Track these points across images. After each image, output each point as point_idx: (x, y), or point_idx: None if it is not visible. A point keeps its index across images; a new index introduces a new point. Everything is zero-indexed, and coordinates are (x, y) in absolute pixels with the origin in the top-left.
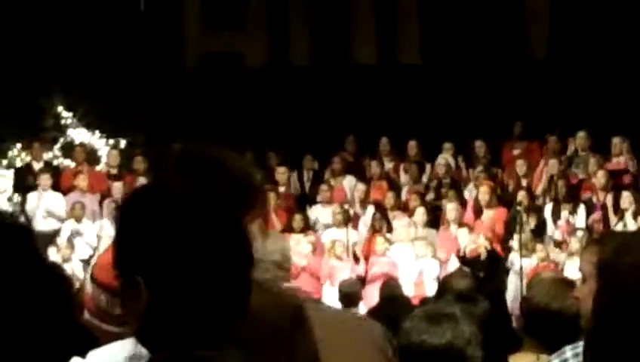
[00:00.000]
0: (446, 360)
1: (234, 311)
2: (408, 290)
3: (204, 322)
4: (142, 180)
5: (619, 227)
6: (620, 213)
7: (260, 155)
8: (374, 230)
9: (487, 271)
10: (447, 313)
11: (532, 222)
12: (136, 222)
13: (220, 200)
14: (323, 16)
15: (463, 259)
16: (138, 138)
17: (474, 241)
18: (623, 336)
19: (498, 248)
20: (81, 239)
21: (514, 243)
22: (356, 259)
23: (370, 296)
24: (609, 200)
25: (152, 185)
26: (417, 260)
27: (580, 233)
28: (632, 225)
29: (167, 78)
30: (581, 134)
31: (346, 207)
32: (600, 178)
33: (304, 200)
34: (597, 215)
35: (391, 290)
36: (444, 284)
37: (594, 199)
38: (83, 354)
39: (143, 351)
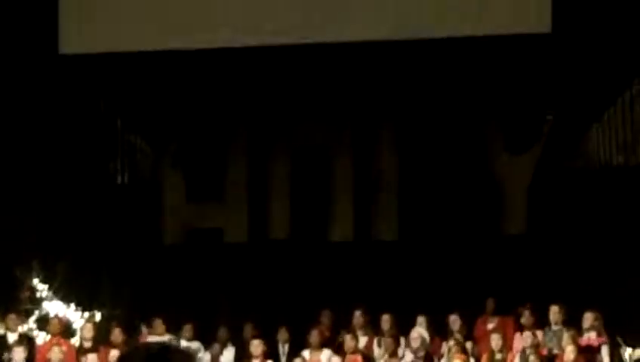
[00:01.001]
0: None
1: None
2: None
3: None
4: (114, 353)
5: None
6: None
7: (235, 327)
8: None
9: None
10: None
11: None
12: None
13: None
14: (303, 193)
15: None
16: (116, 310)
17: None
18: None
19: None
20: None
21: None
22: None
23: None
24: None
25: None
26: None
27: None
28: None
29: (146, 252)
30: (555, 308)
31: None
32: (569, 353)
33: None
34: None
35: None
36: None
37: None
38: None
39: None
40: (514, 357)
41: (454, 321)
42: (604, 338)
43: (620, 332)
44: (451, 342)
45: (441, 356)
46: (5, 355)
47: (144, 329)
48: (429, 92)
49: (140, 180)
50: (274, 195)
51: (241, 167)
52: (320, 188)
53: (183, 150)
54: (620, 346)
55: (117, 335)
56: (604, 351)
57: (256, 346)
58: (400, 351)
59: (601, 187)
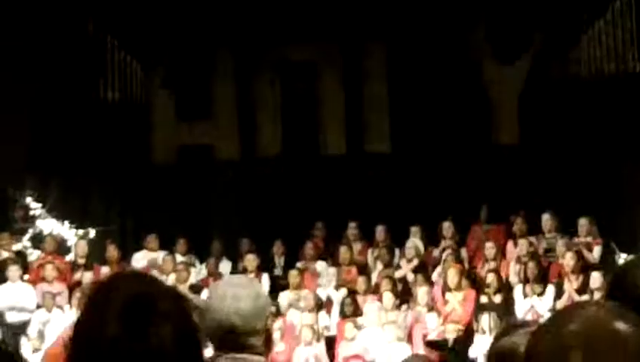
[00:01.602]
0: None
1: None
2: None
3: None
4: (105, 270)
5: None
6: (589, 294)
7: (231, 242)
8: (344, 315)
9: (454, 355)
10: None
11: (501, 304)
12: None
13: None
14: (292, 108)
15: (429, 343)
16: (109, 228)
17: (442, 326)
18: None
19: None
20: (51, 329)
21: (483, 325)
22: (329, 344)
23: None
24: (579, 281)
25: (91, 328)
26: (388, 344)
27: (546, 316)
28: None
29: (138, 169)
30: (546, 216)
31: (318, 292)
32: (569, 260)
33: (275, 285)
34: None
35: None
36: None
37: (565, 281)
38: None
39: None
40: (508, 264)
41: (447, 228)
42: (598, 241)
43: (614, 239)
44: (446, 252)
45: (435, 263)
46: None
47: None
48: (417, 3)
49: (130, 98)
50: (264, 111)
51: (230, 84)
52: (310, 103)
53: (172, 68)
54: (614, 252)
55: (112, 251)
56: (596, 251)
57: (251, 261)
58: (394, 262)
59: (592, 96)
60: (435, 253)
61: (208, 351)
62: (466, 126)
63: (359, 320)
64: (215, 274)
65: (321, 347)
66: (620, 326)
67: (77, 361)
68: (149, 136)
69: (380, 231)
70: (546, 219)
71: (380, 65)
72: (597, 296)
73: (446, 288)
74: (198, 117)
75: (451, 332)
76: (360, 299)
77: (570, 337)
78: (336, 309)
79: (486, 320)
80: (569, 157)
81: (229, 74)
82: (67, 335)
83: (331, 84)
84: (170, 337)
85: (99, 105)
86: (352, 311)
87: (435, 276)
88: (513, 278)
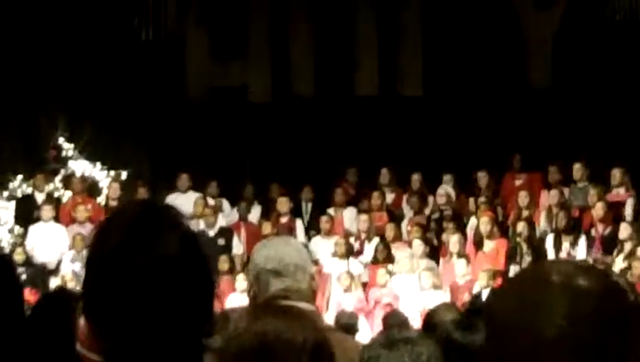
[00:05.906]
0: None
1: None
2: (415, 322)
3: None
4: None
5: (619, 259)
6: (620, 244)
7: (262, 187)
8: (376, 261)
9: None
10: (404, 337)
11: (532, 254)
12: (100, 280)
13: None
14: (326, 48)
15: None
16: (141, 169)
17: (470, 275)
18: None
19: (499, 280)
20: (81, 270)
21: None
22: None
23: (370, 327)
24: (607, 231)
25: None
26: (422, 291)
27: None
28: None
29: (171, 110)
30: (577, 165)
31: (350, 238)
32: (599, 209)
33: (304, 231)
34: (597, 248)
35: (396, 319)
36: (429, 318)
37: (593, 231)
38: None
39: None
40: (540, 214)
41: (482, 178)
42: (631, 193)
43: None
44: (480, 199)
45: (468, 213)
46: (33, 211)
47: None
48: None
49: (164, 37)
50: (297, 51)
51: (264, 23)
52: (344, 43)
53: (207, 6)
54: None
55: (142, 193)
56: (629, 204)
57: (284, 203)
58: (427, 210)
59: (626, 40)
60: (471, 204)
61: None
62: (500, 69)
63: (390, 266)
64: (246, 219)
65: (359, 293)
66: None
67: (90, 280)
68: (183, 76)
69: (415, 180)
70: (577, 169)
71: (415, 7)
72: (627, 247)
73: (478, 236)
74: (231, 56)
75: (482, 280)
76: (391, 246)
77: None
78: (368, 255)
79: (515, 269)
80: (603, 104)
81: (264, 13)
82: None
83: (365, 24)
84: (176, 245)
85: (133, 43)
86: (384, 256)
87: (468, 225)
88: (544, 228)
